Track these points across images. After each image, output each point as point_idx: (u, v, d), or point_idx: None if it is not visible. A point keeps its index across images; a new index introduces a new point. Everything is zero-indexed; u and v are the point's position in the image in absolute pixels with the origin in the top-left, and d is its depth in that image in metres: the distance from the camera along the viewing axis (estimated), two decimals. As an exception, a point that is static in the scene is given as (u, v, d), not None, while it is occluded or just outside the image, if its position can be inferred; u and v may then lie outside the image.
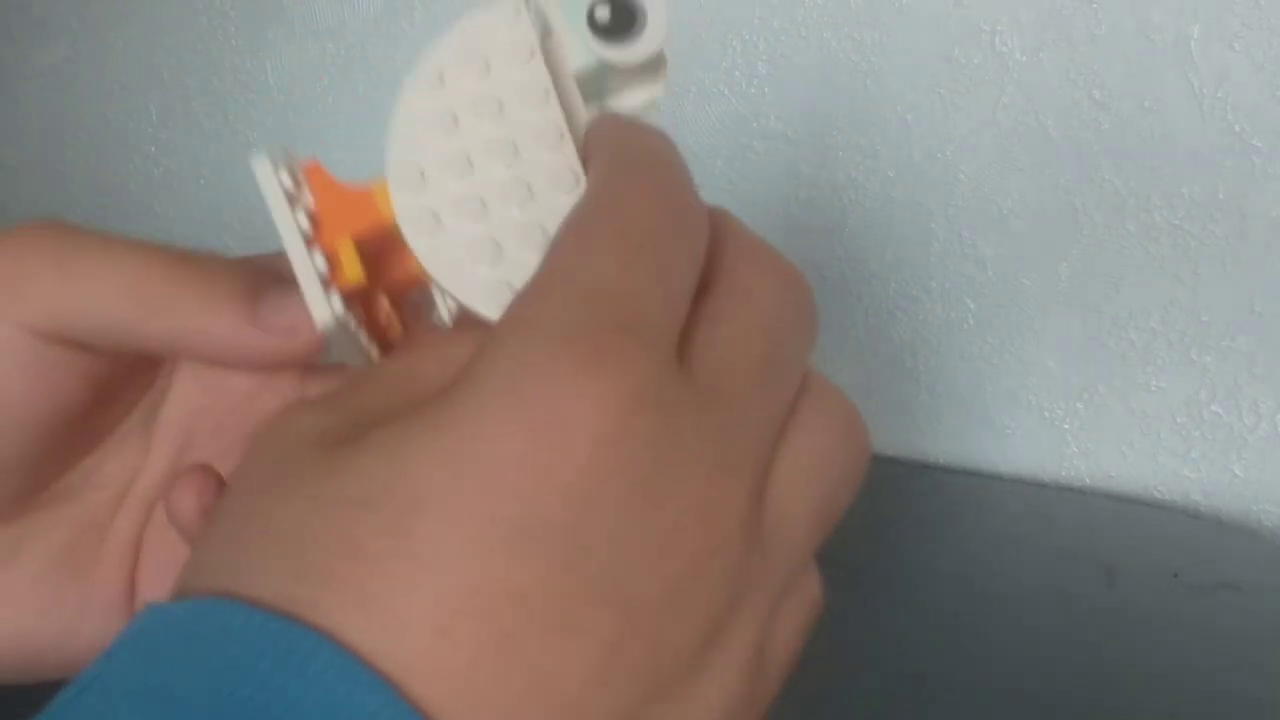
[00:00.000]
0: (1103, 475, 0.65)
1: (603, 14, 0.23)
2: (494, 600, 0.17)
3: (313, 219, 0.24)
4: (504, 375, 0.19)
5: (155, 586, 0.29)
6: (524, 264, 0.22)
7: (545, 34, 0.24)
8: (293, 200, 0.24)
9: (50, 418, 0.26)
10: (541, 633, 0.18)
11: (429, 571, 0.17)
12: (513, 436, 0.18)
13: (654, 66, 0.24)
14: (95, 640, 0.28)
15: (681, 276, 0.21)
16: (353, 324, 0.24)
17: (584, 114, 0.24)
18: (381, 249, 0.24)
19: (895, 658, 0.47)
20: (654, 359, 0.19)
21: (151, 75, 0.77)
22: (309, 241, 0.23)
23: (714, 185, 0.68)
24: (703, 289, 0.22)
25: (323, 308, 0.23)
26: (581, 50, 0.24)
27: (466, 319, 0.24)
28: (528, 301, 0.20)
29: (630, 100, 0.25)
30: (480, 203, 0.23)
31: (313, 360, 0.25)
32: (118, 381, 0.27)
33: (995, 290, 0.65)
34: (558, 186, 0.23)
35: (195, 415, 0.29)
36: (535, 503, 0.18)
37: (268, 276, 0.25)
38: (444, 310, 0.24)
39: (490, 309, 0.22)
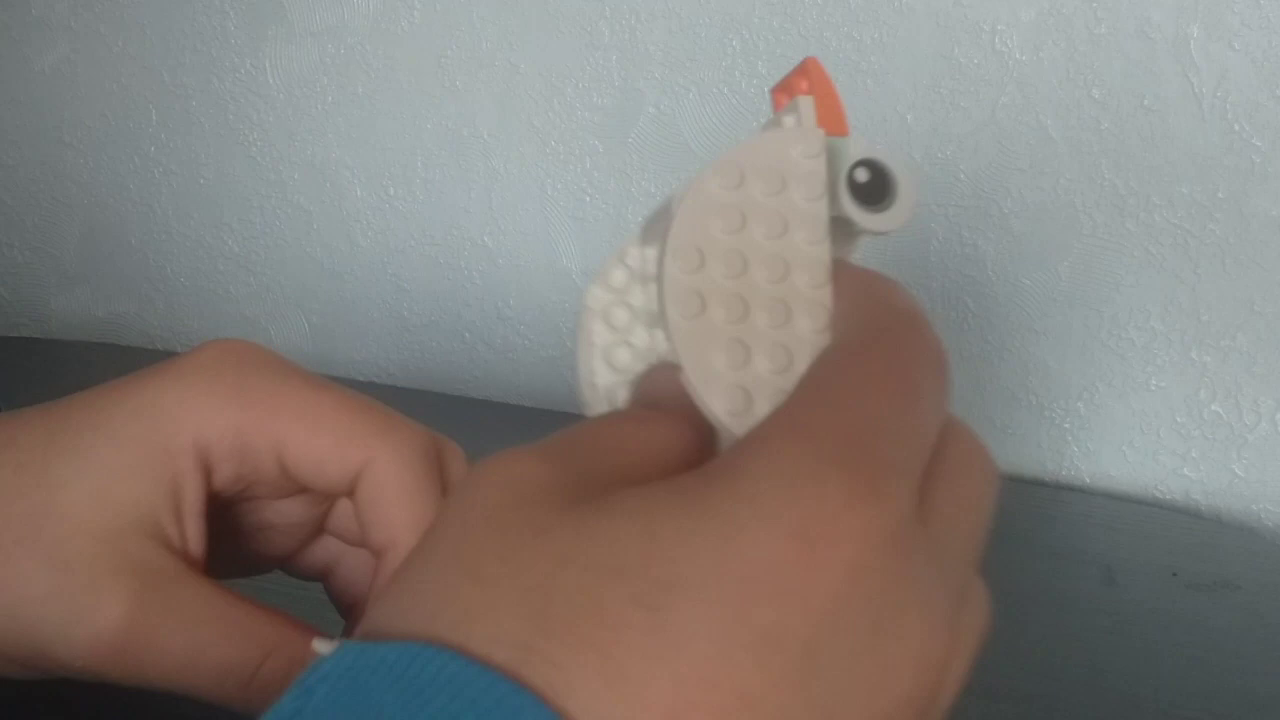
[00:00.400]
0: (1103, 475, 0.65)
1: (861, 175, 0.25)
2: (728, 699, 0.18)
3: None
4: (777, 476, 0.19)
5: None
6: (764, 377, 0.23)
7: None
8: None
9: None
10: None
11: (675, 652, 0.18)
12: (781, 541, 0.18)
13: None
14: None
15: (931, 432, 0.22)
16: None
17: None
18: None
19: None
20: (909, 503, 0.20)
21: (151, 75, 0.77)
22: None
23: (714, 185, 0.68)
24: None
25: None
26: (835, 202, 0.25)
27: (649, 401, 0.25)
28: (800, 410, 0.20)
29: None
30: (744, 305, 0.24)
31: None
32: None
33: (995, 290, 0.65)
34: (814, 319, 0.24)
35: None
36: (788, 613, 0.18)
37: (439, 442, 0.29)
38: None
39: (719, 405, 0.23)
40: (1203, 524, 0.62)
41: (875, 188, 0.26)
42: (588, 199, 0.71)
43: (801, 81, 0.26)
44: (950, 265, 0.65)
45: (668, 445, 0.23)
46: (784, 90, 0.26)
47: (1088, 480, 0.66)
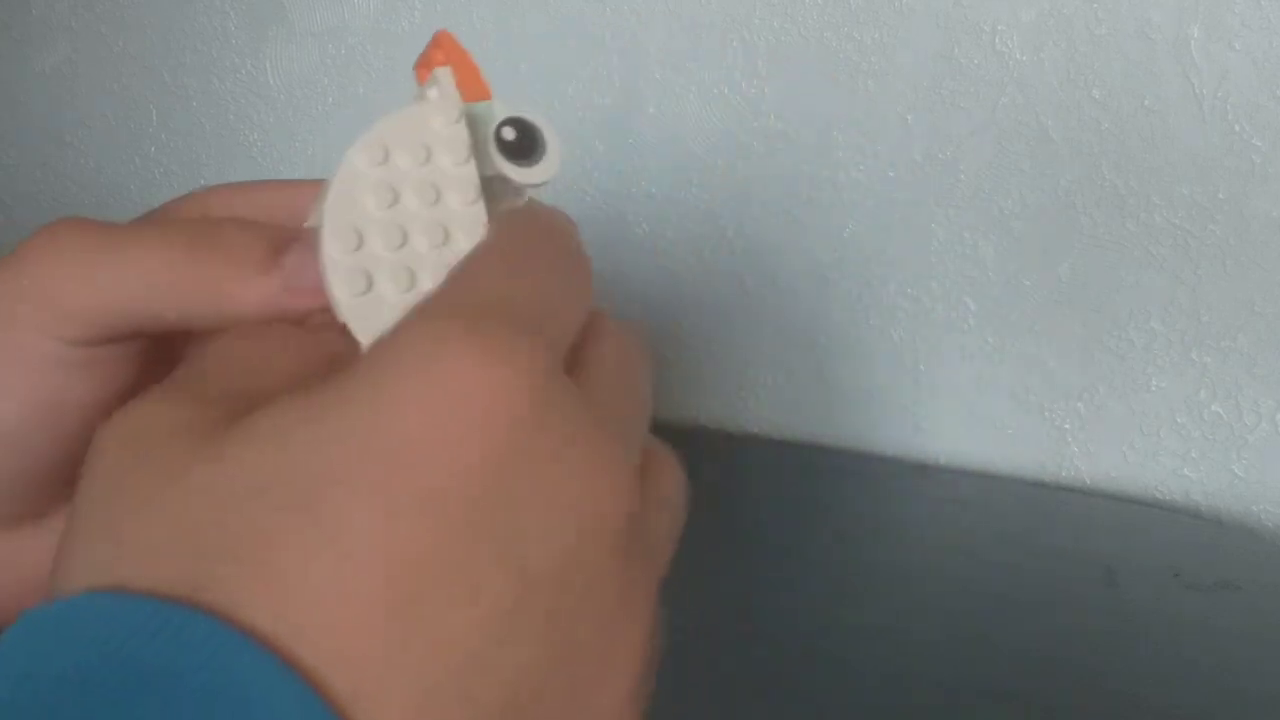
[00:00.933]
0: (1103, 475, 0.65)
1: (508, 134, 0.27)
2: (397, 567, 0.18)
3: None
4: (408, 358, 0.19)
5: None
6: None
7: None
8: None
9: (111, 402, 0.26)
10: (443, 597, 0.18)
11: (333, 540, 0.18)
12: (423, 413, 0.19)
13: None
14: None
15: (570, 310, 0.23)
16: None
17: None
18: None
19: (895, 657, 0.47)
20: (548, 360, 0.20)
21: (151, 75, 0.77)
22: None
23: (714, 185, 0.68)
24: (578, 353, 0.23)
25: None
26: (487, 162, 0.27)
27: None
28: (433, 300, 0.21)
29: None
30: (410, 275, 0.25)
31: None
32: (163, 345, 0.28)
33: (995, 290, 0.65)
34: None
35: None
36: (442, 474, 0.18)
37: (281, 232, 0.26)
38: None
39: None
40: (1203, 524, 0.62)
41: (524, 144, 0.27)
42: (588, 199, 0.71)
43: (437, 54, 0.28)
44: (950, 265, 0.65)
45: (306, 357, 0.23)
46: (424, 65, 0.28)
47: (1088, 480, 0.66)
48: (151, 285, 0.25)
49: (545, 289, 0.22)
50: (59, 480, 0.28)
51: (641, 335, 0.25)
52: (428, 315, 0.20)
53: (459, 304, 0.21)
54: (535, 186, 0.27)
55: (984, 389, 0.66)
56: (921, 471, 0.66)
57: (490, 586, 0.18)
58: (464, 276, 0.22)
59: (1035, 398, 0.65)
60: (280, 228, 0.26)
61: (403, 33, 0.72)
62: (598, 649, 0.20)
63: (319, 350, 0.24)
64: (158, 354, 0.28)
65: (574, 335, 0.23)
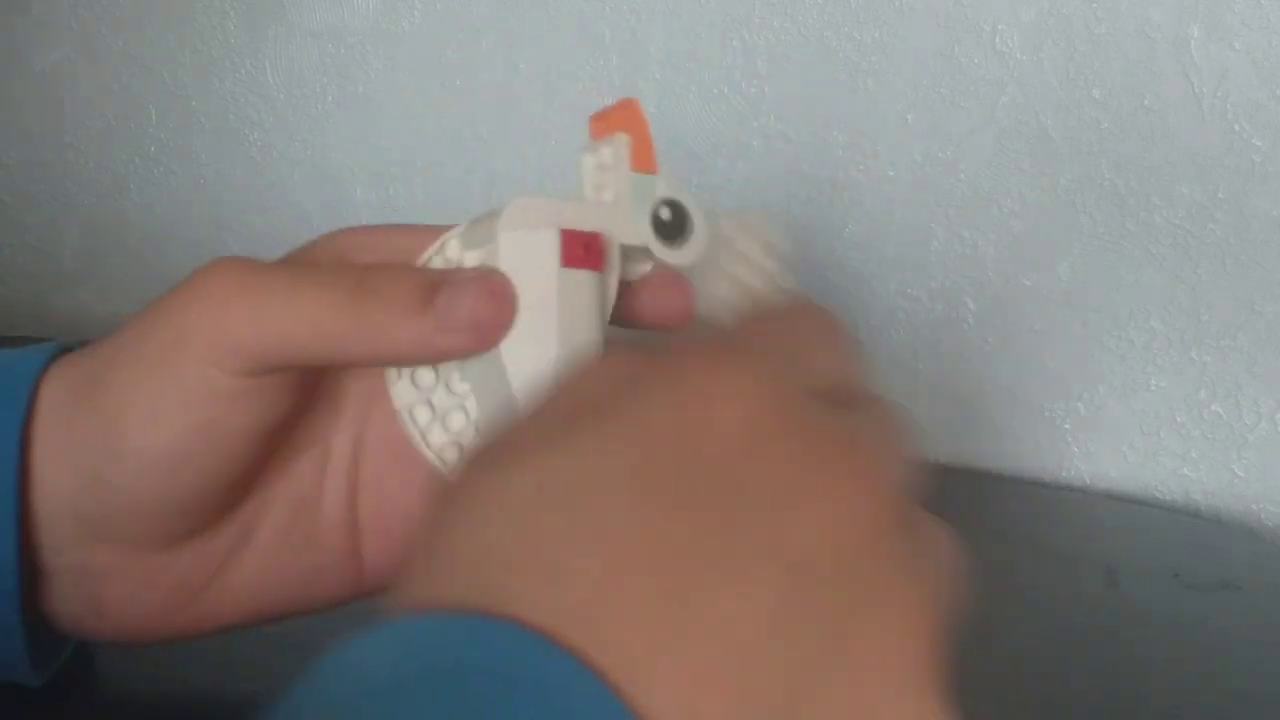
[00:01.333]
0: (1103, 475, 0.65)
1: (664, 213, 0.29)
2: (662, 557, 0.18)
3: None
4: (664, 369, 0.21)
5: (376, 550, 0.32)
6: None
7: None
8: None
9: (267, 429, 0.29)
10: (711, 585, 0.18)
11: (599, 535, 0.19)
12: (664, 408, 0.20)
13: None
14: (333, 593, 0.32)
15: (827, 369, 0.24)
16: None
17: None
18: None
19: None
20: (788, 377, 0.22)
21: (151, 75, 0.77)
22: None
23: (714, 185, 0.68)
24: None
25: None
26: (633, 231, 0.29)
27: None
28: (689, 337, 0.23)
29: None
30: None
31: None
32: (313, 375, 0.31)
33: (995, 290, 0.65)
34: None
35: (373, 382, 0.32)
36: (690, 461, 0.19)
37: (435, 275, 0.28)
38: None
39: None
40: (1203, 524, 0.62)
41: (675, 225, 0.29)
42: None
43: (620, 116, 0.30)
44: (950, 265, 0.65)
45: None
46: (602, 120, 0.30)
47: (1088, 480, 0.66)
48: (317, 327, 0.27)
49: (801, 347, 0.24)
50: (211, 503, 0.30)
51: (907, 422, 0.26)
52: (685, 346, 0.22)
53: (715, 341, 0.22)
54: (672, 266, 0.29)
55: (984, 389, 0.66)
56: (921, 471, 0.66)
57: (756, 576, 0.19)
58: (718, 331, 0.23)
59: (1035, 398, 0.65)
60: (426, 270, 0.28)
61: (402, 32, 0.72)
62: (875, 643, 0.20)
63: None
64: (309, 384, 0.31)
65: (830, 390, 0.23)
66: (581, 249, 0.27)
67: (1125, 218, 0.62)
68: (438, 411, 0.29)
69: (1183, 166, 0.60)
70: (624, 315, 0.30)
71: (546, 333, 0.27)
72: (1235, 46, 0.59)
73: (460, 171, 0.72)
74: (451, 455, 0.29)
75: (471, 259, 0.29)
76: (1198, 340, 0.62)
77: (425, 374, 0.29)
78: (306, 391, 0.31)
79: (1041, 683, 0.44)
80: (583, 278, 0.27)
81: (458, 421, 0.29)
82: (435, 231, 0.30)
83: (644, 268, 0.29)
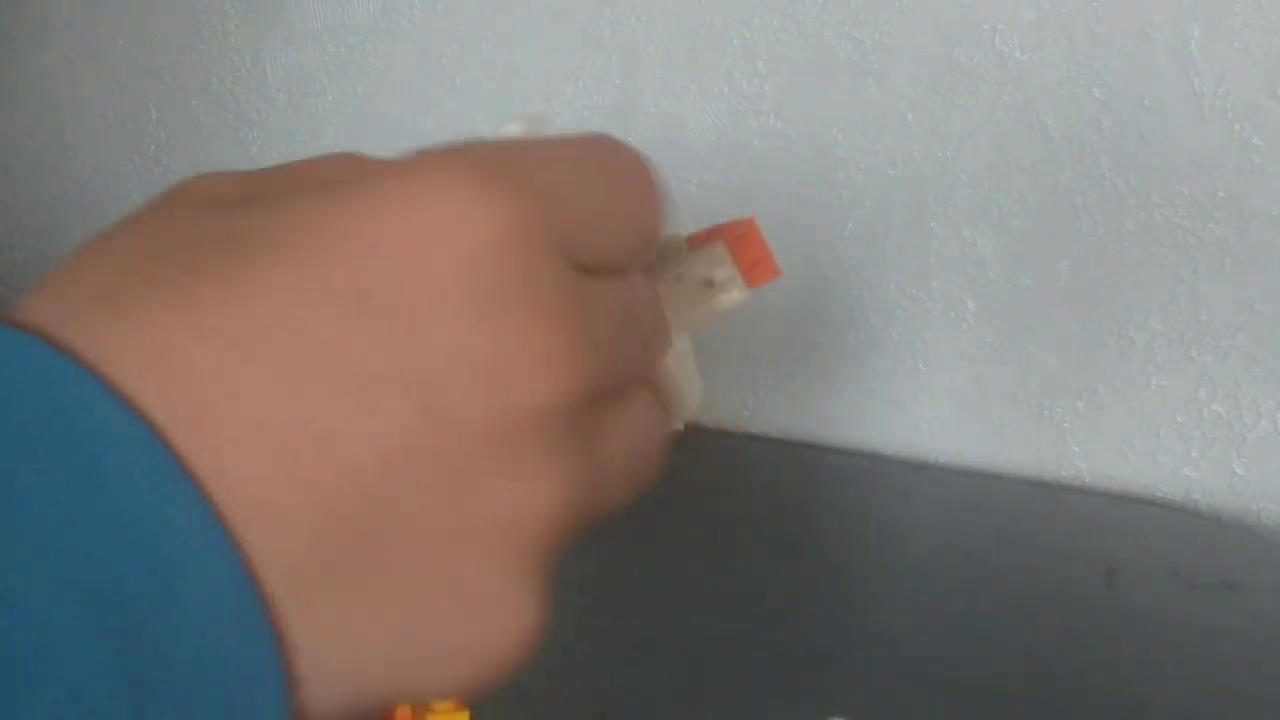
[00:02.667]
0: (1103, 475, 0.65)
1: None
2: (310, 344, 0.17)
3: None
4: (403, 168, 0.19)
5: None
6: None
7: None
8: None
9: None
10: (339, 393, 0.17)
11: (252, 294, 0.17)
12: (390, 221, 0.18)
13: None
14: None
15: (605, 217, 0.21)
16: None
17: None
18: None
19: (895, 657, 0.47)
20: (547, 224, 0.19)
21: (151, 75, 0.77)
22: None
23: (714, 185, 0.68)
24: None
25: None
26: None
27: None
28: (469, 147, 0.20)
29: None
30: None
31: None
32: None
33: (995, 290, 0.65)
34: None
35: None
36: (381, 283, 0.18)
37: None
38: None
39: None
40: (1203, 524, 0.62)
41: None
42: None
43: (740, 242, 0.27)
44: (950, 265, 0.65)
45: None
46: (717, 236, 0.28)
47: (1088, 480, 0.66)
48: None
49: (587, 189, 0.21)
50: None
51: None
52: (462, 152, 0.20)
53: (499, 157, 0.20)
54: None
55: (983, 389, 0.66)
56: (921, 471, 0.66)
57: (390, 406, 0.17)
58: (519, 149, 0.21)
59: (1035, 398, 0.65)
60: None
61: (402, 32, 0.72)
62: (493, 513, 0.18)
63: None
64: None
65: (608, 251, 0.21)
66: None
67: (1125, 218, 0.62)
68: None
69: (1183, 166, 0.60)
70: None
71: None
72: (1235, 46, 0.59)
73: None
74: None
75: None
76: (1198, 340, 0.62)
77: None
78: None
79: (1041, 683, 0.44)
80: None
81: None
82: None
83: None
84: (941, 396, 0.67)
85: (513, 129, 0.24)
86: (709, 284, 0.28)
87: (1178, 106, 0.60)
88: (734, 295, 0.27)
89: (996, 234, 0.64)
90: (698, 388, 0.28)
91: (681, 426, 0.27)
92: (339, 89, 0.73)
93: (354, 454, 0.17)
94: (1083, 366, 0.64)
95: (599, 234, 0.21)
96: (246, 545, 0.17)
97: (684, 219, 0.28)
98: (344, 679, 0.18)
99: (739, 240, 0.26)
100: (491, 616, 0.19)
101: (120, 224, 0.19)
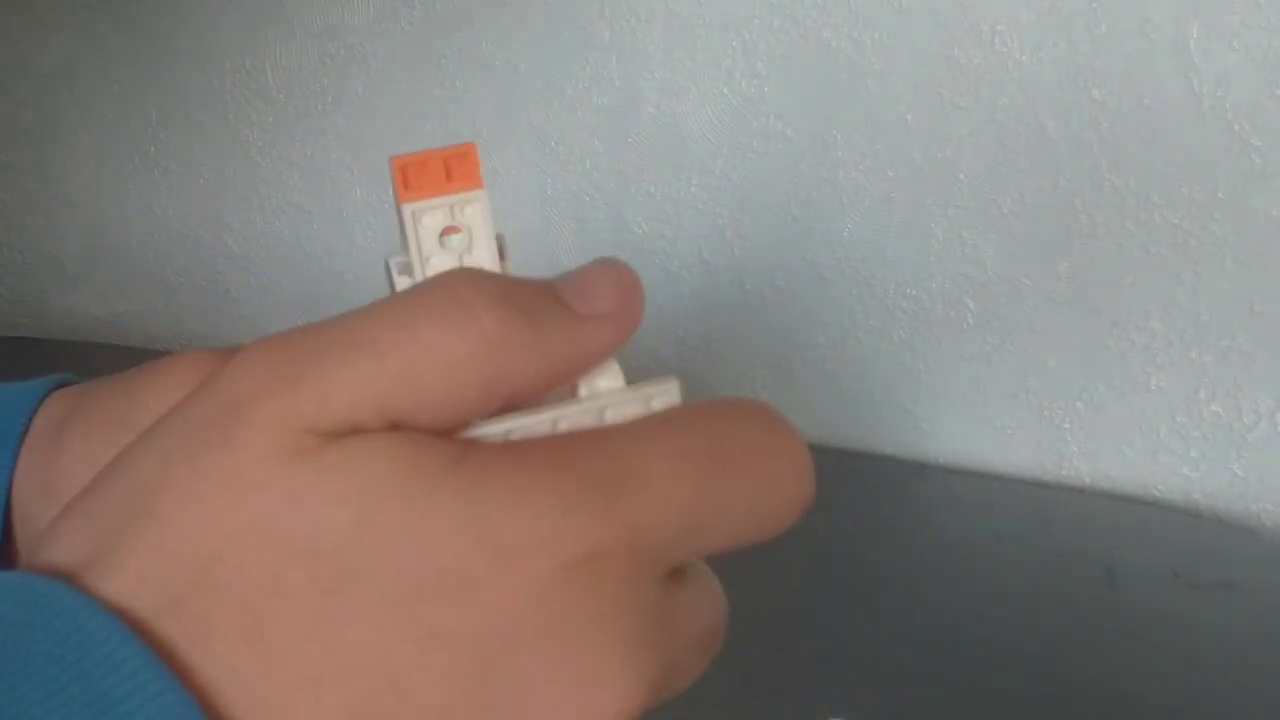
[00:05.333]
0: (1103, 475, 0.65)
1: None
2: (379, 683, 0.17)
3: None
4: (505, 483, 0.18)
5: None
6: None
7: None
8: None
9: None
10: (353, 667, 0.17)
11: (334, 630, 0.17)
12: (468, 548, 0.18)
13: None
14: None
15: (720, 522, 0.20)
16: None
17: None
18: None
19: (895, 657, 0.47)
20: (632, 547, 0.19)
21: (151, 75, 0.77)
22: None
23: (714, 185, 0.68)
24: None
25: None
26: None
27: None
28: (565, 438, 0.20)
29: None
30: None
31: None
32: None
33: (995, 290, 0.65)
34: None
35: None
36: (463, 616, 0.18)
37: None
38: None
39: None
40: (1203, 524, 0.62)
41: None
42: (588, 199, 0.71)
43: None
44: (950, 265, 0.65)
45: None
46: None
47: (1088, 480, 0.66)
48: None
49: (698, 487, 0.19)
50: None
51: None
52: (551, 451, 0.19)
53: (583, 455, 0.19)
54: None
55: (984, 389, 0.66)
56: (921, 471, 0.66)
57: (412, 681, 0.17)
58: (621, 436, 0.20)
59: (1035, 398, 0.65)
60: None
61: (402, 33, 0.72)
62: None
63: None
64: None
65: (722, 543, 0.20)
66: None
67: (1125, 218, 0.62)
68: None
69: (1183, 166, 0.60)
70: None
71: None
72: (1235, 46, 0.59)
73: (460, 171, 0.72)
74: None
75: None
76: (1197, 340, 0.62)
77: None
78: None
79: (1041, 682, 0.44)
80: None
81: None
82: None
83: None
84: (941, 397, 0.67)
85: (404, 281, 0.24)
86: (450, 236, 0.26)
87: (1177, 107, 0.60)
88: (476, 207, 0.26)
89: (996, 234, 0.64)
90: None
91: None
92: (339, 89, 0.73)
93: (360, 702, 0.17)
94: (1083, 366, 0.64)
95: (708, 534, 0.20)
96: None
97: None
98: None
99: (405, 180, 0.26)
100: None
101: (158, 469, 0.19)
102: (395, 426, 0.19)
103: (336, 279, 0.76)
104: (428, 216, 0.25)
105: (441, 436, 0.19)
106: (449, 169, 0.25)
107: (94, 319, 0.82)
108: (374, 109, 0.73)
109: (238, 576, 0.17)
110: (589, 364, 0.21)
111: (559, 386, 0.21)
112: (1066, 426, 0.65)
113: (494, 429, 0.20)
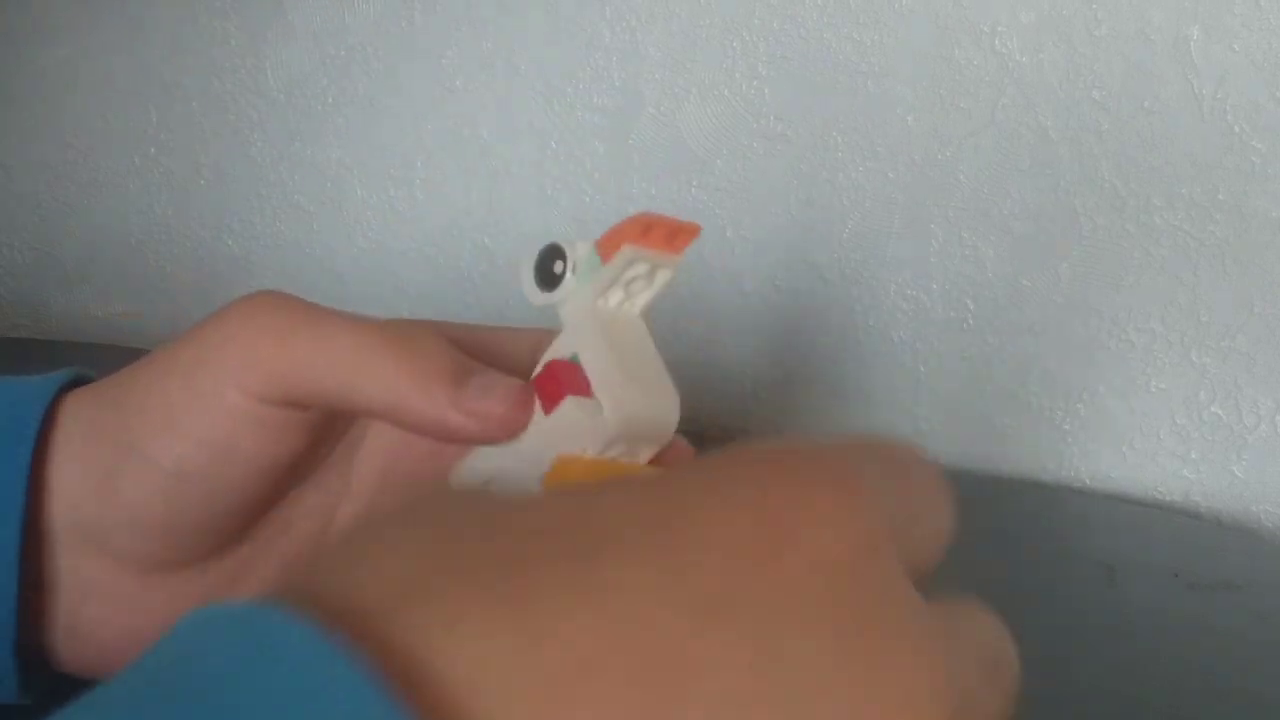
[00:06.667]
0: (1103, 476, 0.65)
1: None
2: (663, 656, 0.15)
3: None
4: (747, 463, 0.18)
5: None
6: None
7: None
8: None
9: (274, 465, 0.28)
10: (697, 707, 0.15)
11: (600, 602, 0.16)
12: (737, 514, 0.17)
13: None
14: None
15: (926, 529, 0.21)
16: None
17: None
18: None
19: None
20: (890, 535, 0.18)
21: (151, 75, 0.77)
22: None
23: (714, 185, 0.68)
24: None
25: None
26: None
27: None
28: (822, 448, 0.19)
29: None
30: None
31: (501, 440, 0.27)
32: (328, 425, 0.30)
33: (995, 291, 0.65)
34: None
35: (391, 455, 0.31)
36: (740, 584, 0.16)
37: (472, 363, 0.27)
38: None
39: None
40: (1203, 525, 0.62)
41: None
42: (588, 200, 0.71)
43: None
44: (950, 266, 0.65)
45: None
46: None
47: (1088, 481, 0.66)
48: (339, 367, 0.26)
49: (909, 496, 0.20)
50: (209, 533, 0.29)
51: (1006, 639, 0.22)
52: (777, 450, 0.19)
53: (813, 456, 0.19)
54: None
55: (983, 389, 0.66)
56: (921, 472, 0.66)
57: None
58: (834, 447, 0.20)
59: (1035, 398, 0.65)
60: (470, 356, 0.28)
61: (403, 33, 0.72)
62: None
63: None
64: (328, 433, 0.30)
65: (926, 558, 0.21)
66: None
67: (1125, 219, 0.62)
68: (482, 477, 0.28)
69: (1183, 168, 0.60)
70: None
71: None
72: (1235, 48, 0.59)
73: (460, 171, 0.72)
74: None
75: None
76: (1197, 341, 0.62)
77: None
78: (324, 439, 0.30)
79: (1041, 682, 0.44)
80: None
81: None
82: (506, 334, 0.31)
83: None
84: (942, 397, 0.67)
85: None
86: (634, 281, 0.28)
87: (1177, 108, 0.60)
88: (665, 273, 0.28)
89: (997, 236, 0.64)
90: (671, 394, 0.28)
91: (670, 436, 0.28)
92: (339, 89, 0.73)
93: None
94: (1083, 367, 0.64)
95: (924, 544, 0.20)
96: None
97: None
98: None
99: (644, 231, 0.27)
100: None
101: (412, 510, 0.18)
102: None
103: (336, 279, 0.76)
104: (635, 264, 0.28)
105: None
106: (671, 235, 0.28)
107: (94, 319, 0.82)
108: (374, 109, 0.73)
109: (471, 561, 0.16)
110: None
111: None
112: (1066, 427, 0.65)
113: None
